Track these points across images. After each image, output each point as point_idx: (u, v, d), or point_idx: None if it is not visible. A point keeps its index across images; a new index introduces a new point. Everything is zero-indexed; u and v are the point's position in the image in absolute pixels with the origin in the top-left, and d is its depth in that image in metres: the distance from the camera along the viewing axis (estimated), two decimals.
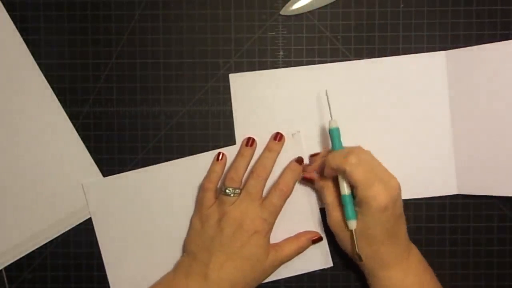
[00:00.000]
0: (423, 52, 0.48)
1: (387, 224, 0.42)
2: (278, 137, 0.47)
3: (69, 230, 0.49)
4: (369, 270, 0.45)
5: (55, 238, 0.49)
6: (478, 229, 0.49)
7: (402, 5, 0.49)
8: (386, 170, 0.43)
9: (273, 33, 0.49)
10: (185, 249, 0.48)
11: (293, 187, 0.47)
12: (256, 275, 0.45)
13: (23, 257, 0.49)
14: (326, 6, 0.49)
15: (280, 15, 0.49)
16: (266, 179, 0.46)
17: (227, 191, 0.46)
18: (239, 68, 0.49)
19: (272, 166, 0.47)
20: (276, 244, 0.47)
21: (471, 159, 0.47)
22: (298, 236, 0.48)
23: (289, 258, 0.47)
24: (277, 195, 0.46)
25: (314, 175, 0.47)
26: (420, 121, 0.47)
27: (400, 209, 0.43)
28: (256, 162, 0.47)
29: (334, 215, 0.45)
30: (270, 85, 0.48)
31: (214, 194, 0.47)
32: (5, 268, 0.49)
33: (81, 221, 0.49)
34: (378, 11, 0.49)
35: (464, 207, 0.49)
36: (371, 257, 0.44)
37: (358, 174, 0.41)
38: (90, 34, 0.49)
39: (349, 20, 0.49)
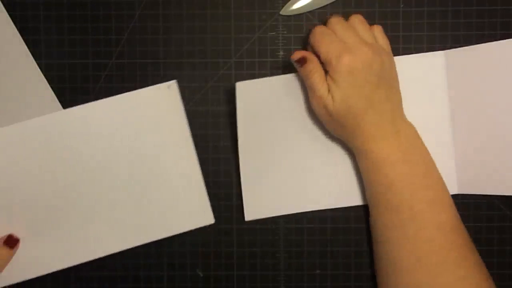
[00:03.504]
0: (423, 52, 0.48)
1: (363, 91, 0.42)
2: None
3: None
4: (356, 146, 0.44)
5: None
6: (478, 229, 0.49)
7: (402, 5, 0.49)
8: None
9: (273, 33, 0.49)
10: None
11: None
12: None
13: None
14: (326, 6, 0.49)
15: (280, 15, 0.49)
16: None
17: None
18: (239, 68, 0.49)
19: None
20: None
21: (471, 158, 0.47)
22: None
23: None
24: None
25: (309, 56, 0.44)
26: (419, 121, 0.47)
27: (376, 77, 0.42)
28: None
29: (320, 99, 0.43)
30: (276, 92, 0.47)
31: None
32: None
33: None
34: (378, 11, 0.49)
35: (464, 207, 0.49)
36: (356, 130, 0.43)
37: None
38: (90, 34, 0.49)
39: None
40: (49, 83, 0.49)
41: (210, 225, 0.49)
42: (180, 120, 0.46)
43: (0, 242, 0.45)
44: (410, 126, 0.45)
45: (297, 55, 0.44)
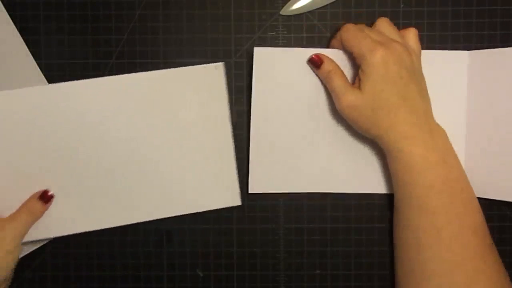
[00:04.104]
0: None
1: (396, 86, 0.42)
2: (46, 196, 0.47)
3: None
4: (390, 145, 0.43)
5: (55, 238, 0.49)
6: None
7: (402, 5, 0.49)
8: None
9: (273, 33, 0.49)
10: None
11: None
12: None
13: (23, 257, 0.49)
14: (326, 6, 0.49)
15: (280, 15, 0.49)
16: None
17: None
18: (239, 68, 0.49)
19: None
20: (8, 217, 0.46)
21: (481, 162, 0.47)
22: (25, 202, 0.46)
23: (25, 225, 0.45)
24: None
25: (324, 56, 0.45)
26: (435, 118, 0.46)
27: (407, 73, 0.42)
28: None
29: (347, 100, 0.43)
30: (295, 64, 0.47)
31: None
32: None
33: None
34: (378, 11, 0.49)
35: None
36: (390, 128, 0.42)
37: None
38: (90, 34, 0.49)
39: (349, 20, 0.49)
40: (49, 83, 0.49)
41: (210, 225, 0.50)
42: (221, 102, 0.47)
43: (35, 196, 0.46)
44: (441, 127, 0.44)
45: (312, 56, 0.45)
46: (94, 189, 0.47)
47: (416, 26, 0.48)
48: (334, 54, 0.46)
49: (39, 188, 0.47)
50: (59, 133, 0.47)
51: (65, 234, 0.48)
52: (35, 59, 0.49)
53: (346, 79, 0.45)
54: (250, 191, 0.48)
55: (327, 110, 0.48)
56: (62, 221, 0.47)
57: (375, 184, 0.48)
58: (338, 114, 0.46)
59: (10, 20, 0.49)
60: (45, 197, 0.46)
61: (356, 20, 0.49)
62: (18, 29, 0.49)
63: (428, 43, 0.49)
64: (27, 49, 0.49)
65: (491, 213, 0.49)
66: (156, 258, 0.50)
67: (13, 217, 0.46)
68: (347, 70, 0.46)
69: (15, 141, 0.46)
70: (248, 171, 0.48)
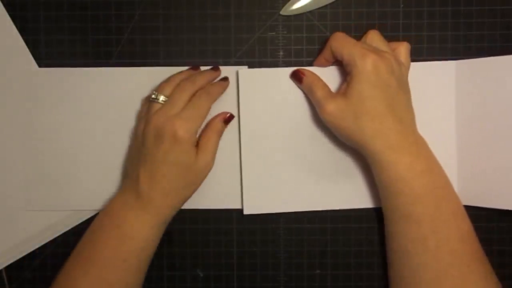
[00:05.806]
0: (423, 52, 0.48)
1: (385, 94, 0.41)
2: (216, 67, 0.48)
3: (69, 230, 0.49)
4: (375, 153, 0.42)
5: (55, 238, 0.49)
6: (478, 229, 0.49)
7: (402, 5, 0.49)
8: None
9: (273, 33, 0.49)
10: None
11: (219, 93, 0.47)
12: (187, 180, 0.44)
13: (23, 257, 0.49)
14: (326, 6, 0.49)
15: (280, 15, 0.49)
16: (191, 94, 0.45)
17: (153, 96, 0.45)
18: None
19: (202, 86, 0.45)
20: (199, 144, 0.45)
21: (473, 170, 0.47)
22: (210, 124, 0.47)
23: (215, 151, 0.46)
24: (202, 97, 0.45)
25: (305, 71, 0.46)
26: (424, 130, 0.45)
27: (396, 81, 0.42)
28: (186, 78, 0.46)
29: (330, 107, 0.43)
30: (280, 83, 0.47)
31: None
32: (5, 268, 0.49)
33: (81, 221, 0.49)
34: (378, 11, 0.49)
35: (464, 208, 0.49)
36: (376, 135, 0.42)
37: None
38: (90, 34, 0.49)
39: (349, 20, 0.49)
40: None
41: (210, 225, 0.50)
42: (234, 105, 0.48)
43: (221, 118, 0.47)
44: (423, 138, 0.44)
45: (294, 71, 0.46)
46: (104, 172, 0.49)
47: (415, 26, 0.48)
48: (318, 70, 0.47)
49: (69, 161, 0.49)
50: (94, 114, 0.49)
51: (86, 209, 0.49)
52: (35, 59, 0.49)
53: (328, 89, 0.45)
54: (245, 212, 0.48)
55: (316, 127, 0.48)
56: (84, 196, 0.49)
57: (372, 198, 0.49)
58: (327, 129, 0.46)
59: (10, 20, 0.49)
60: (229, 119, 0.48)
61: (356, 20, 0.49)
62: (18, 29, 0.49)
63: (428, 43, 0.49)
64: (27, 49, 0.49)
65: (491, 213, 0.49)
66: (156, 258, 0.50)
67: (207, 140, 0.46)
68: (332, 86, 0.46)
69: (58, 115, 0.49)
70: (242, 192, 0.48)
